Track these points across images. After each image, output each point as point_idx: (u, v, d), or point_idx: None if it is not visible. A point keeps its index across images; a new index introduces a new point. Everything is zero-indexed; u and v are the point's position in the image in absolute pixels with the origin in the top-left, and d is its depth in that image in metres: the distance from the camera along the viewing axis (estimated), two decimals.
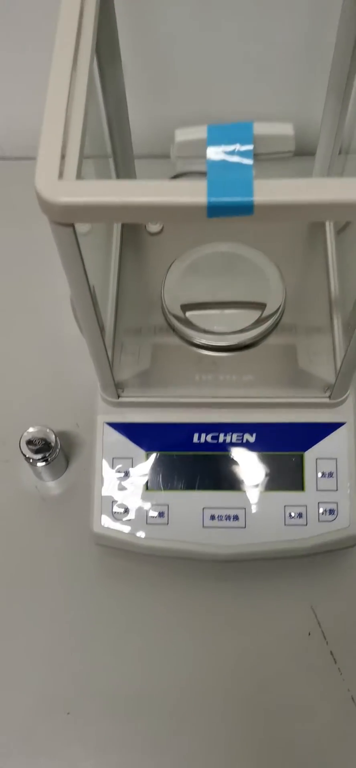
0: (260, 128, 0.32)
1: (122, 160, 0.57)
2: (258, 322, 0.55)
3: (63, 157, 0.34)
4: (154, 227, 0.60)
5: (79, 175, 0.34)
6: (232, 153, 0.32)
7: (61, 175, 0.33)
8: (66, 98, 0.35)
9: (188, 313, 0.55)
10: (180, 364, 0.54)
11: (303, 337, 0.55)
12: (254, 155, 0.32)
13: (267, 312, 0.55)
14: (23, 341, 0.65)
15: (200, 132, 0.32)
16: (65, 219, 0.33)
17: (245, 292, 0.56)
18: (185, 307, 0.56)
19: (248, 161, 0.32)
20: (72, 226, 0.34)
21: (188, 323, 0.55)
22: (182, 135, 0.33)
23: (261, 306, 0.55)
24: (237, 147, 0.32)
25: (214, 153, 0.32)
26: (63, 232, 0.34)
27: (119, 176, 0.58)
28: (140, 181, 0.32)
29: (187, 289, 0.56)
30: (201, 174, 0.33)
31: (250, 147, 0.32)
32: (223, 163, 0.32)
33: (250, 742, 0.49)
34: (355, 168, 0.60)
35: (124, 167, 0.58)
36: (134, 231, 0.60)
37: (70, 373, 0.62)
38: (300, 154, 0.68)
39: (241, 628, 0.52)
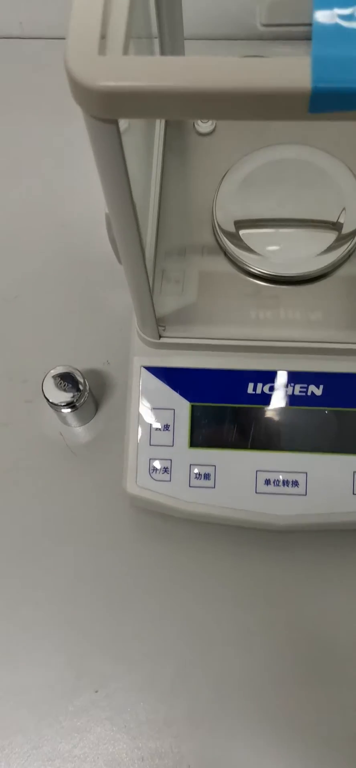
0: None
1: (170, 41, 0.46)
2: (331, 246, 0.45)
3: (104, 25, 0.24)
4: (205, 125, 0.50)
5: (127, 51, 0.24)
6: (348, 18, 0.22)
7: (102, 49, 0.23)
8: None
9: (244, 234, 0.46)
10: (233, 297, 0.45)
11: None
12: None
13: (342, 234, 0.45)
14: (47, 259, 0.56)
15: None
16: (108, 113, 0.24)
17: (316, 209, 0.46)
18: (241, 226, 0.46)
19: None
20: (115, 122, 0.24)
21: (244, 246, 0.45)
22: None
23: (335, 226, 0.45)
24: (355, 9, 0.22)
25: (324, 16, 0.22)
26: (103, 130, 0.25)
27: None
28: (213, 59, 0.22)
29: (244, 204, 0.47)
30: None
31: None
32: (337, 29, 0.22)
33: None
34: None
35: (173, 51, 0.46)
36: (180, 130, 0.49)
37: (101, 301, 0.54)
38: None
39: (301, 604, 0.46)
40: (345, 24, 0.22)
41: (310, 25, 0.22)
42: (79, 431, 0.51)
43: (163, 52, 0.46)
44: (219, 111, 0.23)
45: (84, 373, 0.51)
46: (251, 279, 0.45)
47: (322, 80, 0.22)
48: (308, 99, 0.22)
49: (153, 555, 0.47)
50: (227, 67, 0.22)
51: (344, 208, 0.46)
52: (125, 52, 0.24)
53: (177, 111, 0.23)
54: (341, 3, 0.22)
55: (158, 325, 0.43)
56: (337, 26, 0.22)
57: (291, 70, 0.22)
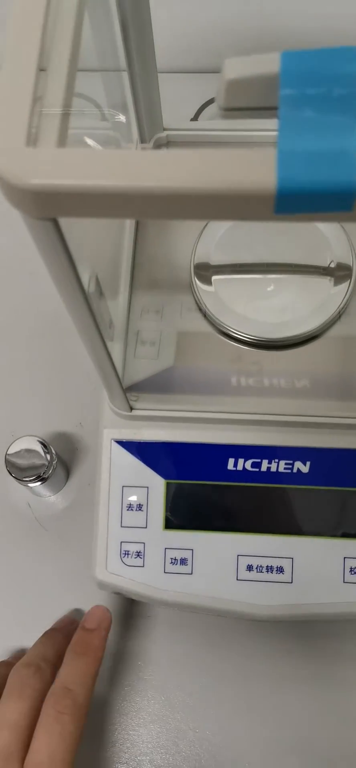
0: None
1: (141, 76, 0.42)
2: (319, 306, 0.41)
3: (37, 100, 0.20)
4: None
5: (65, 134, 0.21)
6: (322, 101, 0.18)
7: (32, 137, 0.20)
8: None
9: (224, 293, 0.42)
10: (213, 362, 0.41)
11: None
12: None
13: (330, 293, 0.41)
14: (14, 311, 0.52)
15: (266, 63, 0.18)
16: (41, 213, 0.20)
17: (302, 266, 0.42)
18: (221, 284, 0.42)
19: (350, 116, 0.18)
20: (53, 219, 0.21)
21: (223, 306, 0.42)
22: (236, 68, 0.19)
23: (323, 284, 0.42)
24: (331, 90, 0.18)
25: (290, 101, 0.18)
26: (40, 227, 0.21)
27: (136, 96, 0.42)
28: (168, 153, 0.18)
29: (224, 261, 0.43)
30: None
31: (354, 90, 0.18)
32: (306, 119, 0.18)
33: None
34: None
35: (143, 85, 0.42)
36: None
37: (73, 357, 0.50)
38: None
39: (285, 699, 0.42)
40: (315, 111, 0.18)
41: (274, 108, 0.19)
42: (50, 501, 0.47)
43: (133, 87, 0.41)
44: (169, 212, 0.19)
45: (54, 436, 0.48)
46: (232, 342, 0.42)
47: (288, 175, 0.18)
48: (272, 198, 0.18)
49: (126, 639, 0.43)
50: (176, 164, 0.18)
51: (332, 263, 0.42)
52: (62, 139, 0.20)
53: (122, 212, 0.20)
54: (312, 79, 0.19)
55: (129, 397, 0.39)
56: (306, 114, 0.18)
57: (256, 164, 0.18)
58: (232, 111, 0.19)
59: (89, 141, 0.47)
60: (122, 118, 0.44)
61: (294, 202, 0.18)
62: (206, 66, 0.52)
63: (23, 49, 0.20)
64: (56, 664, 0.38)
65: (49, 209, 0.20)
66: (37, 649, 0.39)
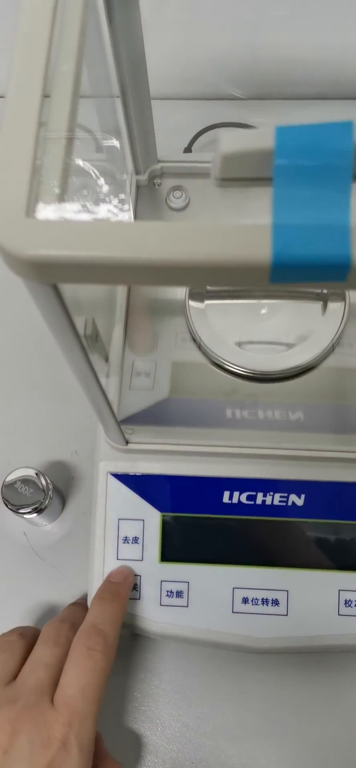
0: None
1: (135, 107, 0.42)
2: (313, 338, 0.41)
3: (38, 164, 0.21)
4: (177, 201, 0.46)
5: (64, 193, 0.21)
6: (316, 175, 0.18)
7: (33, 204, 0.20)
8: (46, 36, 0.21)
9: (219, 325, 0.42)
10: (208, 395, 0.42)
11: None
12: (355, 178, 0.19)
13: (323, 323, 0.42)
14: (9, 338, 0.52)
15: (261, 138, 0.18)
16: (41, 280, 0.20)
17: (296, 297, 0.43)
18: (216, 315, 0.42)
19: (343, 191, 0.18)
20: (53, 285, 0.21)
21: (218, 338, 0.42)
22: (231, 143, 0.19)
23: (317, 315, 0.42)
24: (325, 164, 0.18)
25: (285, 175, 0.18)
26: (40, 291, 0.21)
27: (129, 123, 0.42)
28: (165, 225, 0.18)
29: (220, 289, 0.43)
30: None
31: (348, 163, 0.18)
32: (299, 193, 0.18)
33: None
34: None
35: (137, 116, 0.42)
36: (151, 204, 0.46)
37: (68, 384, 0.50)
38: None
39: (280, 730, 0.42)
40: (309, 187, 0.18)
41: (269, 179, 0.19)
42: (46, 530, 0.47)
43: (127, 118, 0.41)
44: (168, 281, 0.19)
45: (49, 464, 0.48)
46: (227, 375, 0.42)
47: (283, 248, 0.18)
48: (268, 271, 0.18)
49: (123, 669, 0.43)
50: (175, 237, 0.19)
51: (326, 294, 0.42)
52: (63, 190, 0.20)
53: (120, 280, 0.20)
54: (306, 153, 0.19)
55: (124, 430, 0.39)
56: (300, 189, 0.18)
57: (251, 239, 0.18)
58: (227, 181, 0.19)
59: (82, 163, 0.47)
60: (116, 145, 0.45)
61: (288, 273, 0.19)
62: (199, 93, 0.52)
63: (23, 107, 0.21)
64: None
65: (48, 277, 0.20)
66: (70, 610, 0.41)
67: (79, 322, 0.28)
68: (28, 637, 0.39)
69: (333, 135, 0.18)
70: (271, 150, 0.18)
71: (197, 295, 0.43)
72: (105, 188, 0.46)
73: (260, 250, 0.18)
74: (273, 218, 0.18)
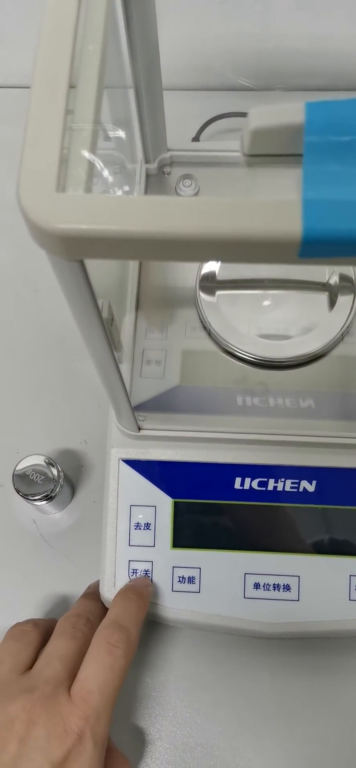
0: None
1: (146, 93, 0.42)
2: (324, 326, 0.42)
3: (65, 149, 0.21)
4: (187, 189, 0.46)
5: (91, 178, 0.21)
6: (346, 150, 0.19)
7: (62, 183, 0.20)
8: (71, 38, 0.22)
9: (230, 312, 0.42)
10: (219, 382, 0.42)
11: None
12: None
13: (334, 311, 0.42)
14: (19, 328, 0.52)
15: (291, 113, 0.18)
16: (69, 255, 0.20)
17: (307, 285, 0.43)
18: (226, 303, 0.43)
19: None
20: (80, 261, 0.21)
21: (229, 326, 0.42)
22: (261, 118, 0.19)
23: (328, 304, 0.42)
24: (353, 140, 0.19)
25: (315, 150, 0.19)
26: (66, 267, 0.21)
27: (141, 113, 0.42)
28: (193, 200, 0.19)
29: (229, 279, 0.43)
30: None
31: None
32: (329, 168, 0.19)
33: None
34: None
35: (149, 105, 0.42)
36: (160, 191, 0.46)
37: (77, 373, 0.50)
38: None
39: (290, 715, 0.42)
40: (340, 162, 0.18)
41: (298, 155, 0.19)
42: (55, 518, 0.47)
43: (139, 107, 0.42)
44: (196, 256, 0.20)
45: (59, 453, 0.48)
46: (238, 362, 0.42)
47: (313, 222, 0.18)
48: (298, 246, 0.19)
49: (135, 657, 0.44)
50: (207, 211, 0.19)
51: (337, 284, 0.43)
52: (88, 184, 0.20)
53: (150, 255, 0.20)
54: (337, 128, 0.19)
55: (137, 417, 0.39)
56: (331, 164, 0.18)
57: (281, 217, 0.18)
58: (255, 157, 0.19)
59: (95, 157, 0.47)
60: (128, 136, 0.45)
61: (318, 248, 0.19)
62: (207, 84, 0.52)
63: (50, 93, 0.21)
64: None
65: (77, 252, 0.20)
66: (84, 605, 0.40)
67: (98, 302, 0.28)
68: (43, 628, 0.39)
69: None
70: (301, 125, 0.18)
71: (208, 287, 0.43)
72: (115, 177, 0.46)
73: (291, 224, 0.18)
74: (303, 193, 0.18)
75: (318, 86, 0.57)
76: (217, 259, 0.19)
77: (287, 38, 0.54)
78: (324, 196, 0.18)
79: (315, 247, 0.19)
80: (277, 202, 0.19)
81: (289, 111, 0.18)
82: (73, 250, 0.20)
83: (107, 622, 0.36)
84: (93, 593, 0.42)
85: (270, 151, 0.19)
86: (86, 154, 0.20)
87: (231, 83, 0.55)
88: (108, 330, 0.30)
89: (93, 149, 0.20)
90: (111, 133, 0.44)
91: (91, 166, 0.20)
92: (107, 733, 0.34)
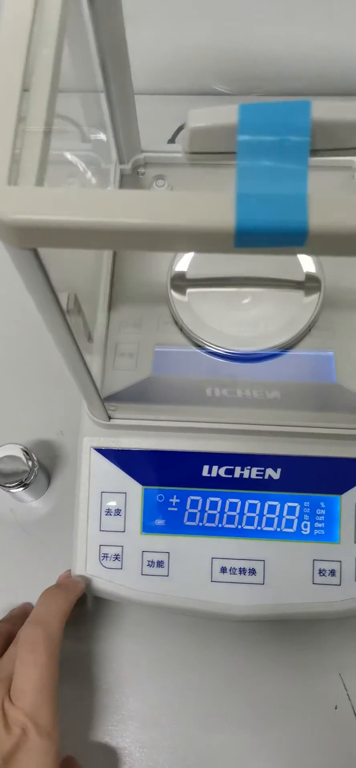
0: (323, 110, 0.20)
1: (118, 98, 0.43)
2: (290, 320, 0.43)
3: (17, 150, 0.22)
4: (160, 189, 0.48)
5: (43, 174, 0.22)
6: (276, 149, 0.20)
7: (14, 178, 0.21)
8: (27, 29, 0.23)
9: (200, 307, 0.44)
10: (188, 373, 0.43)
11: (344, 342, 0.44)
12: (312, 152, 0.20)
13: (299, 308, 0.43)
14: None
15: (226, 114, 0.20)
16: (22, 244, 0.22)
17: (274, 282, 0.45)
18: (197, 299, 0.44)
19: (302, 163, 0.20)
20: (33, 249, 0.23)
21: (199, 320, 0.44)
22: (199, 119, 0.21)
23: (294, 300, 0.44)
24: (285, 139, 0.20)
25: (247, 149, 0.20)
26: (21, 255, 0.23)
27: (113, 115, 0.44)
28: (135, 193, 0.20)
29: (200, 275, 0.45)
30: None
31: (305, 139, 0.20)
32: (261, 166, 0.20)
33: None
34: None
35: (121, 108, 0.44)
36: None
37: (54, 366, 0.51)
38: (348, 94, 0.55)
39: (252, 696, 0.44)
40: (270, 158, 0.20)
41: (234, 153, 0.21)
42: (32, 506, 0.48)
43: (111, 109, 0.43)
44: (140, 246, 0.21)
45: (36, 444, 0.49)
46: (207, 355, 0.44)
47: (246, 216, 0.20)
48: (233, 236, 0.20)
49: (107, 640, 0.45)
50: (146, 203, 0.20)
51: (303, 282, 0.44)
52: (40, 177, 0.22)
53: (98, 244, 0.21)
54: (267, 128, 0.21)
55: (108, 407, 0.41)
56: (262, 161, 0.20)
57: (217, 207, 0.20)
58: (195, 155, 0.21)
59: (70, 157, 0.49)
60: (102, 137, 0.46)
61: (251, 238, 0.20)
62: (183, 88, 0.54)
63: (4, 96, 0.22)
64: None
65: (29, 241, 0.21)
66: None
67: (62, 297, 0.30)
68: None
69: (293, 112, 0.20)
70: (235, 125, 0.20)
71: (179, 286, 0.44)
72: (90, 177, 0.48)
73: (226, 217, 0.20)
74: (236, 188, 0.20)
75: (296, 91, 0.58)
76: (160, 249, 0.21)
77: (261, 44, 0.55)
78: (256, 191, 0.20)
79: (248, 237, 0.20)
80: (214, 197, 0.20)
81: (224, 112, 0.20)
82: (24, 239, 0.21)
83: (27, 621, 0.38)
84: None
85: (209, 149, 0.21)
86: (38, 152, 0.22)
87: (209, 88, 0.57)
88: (74, 321, 0.32)
89: (45, 148, 0.22)
90: (85, 135, 0.46)
91: (42, 163, 0.22)
92: (51, 725, 0.35)
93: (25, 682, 0.36)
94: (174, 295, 0.44)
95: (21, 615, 0.43)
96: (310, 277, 0.44)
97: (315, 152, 0.20)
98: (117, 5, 0.34)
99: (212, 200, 0.20)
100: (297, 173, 0.20)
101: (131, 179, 0.48)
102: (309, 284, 0.44)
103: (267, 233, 0.20)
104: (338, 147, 0.21)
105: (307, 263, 0.44)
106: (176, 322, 0.45)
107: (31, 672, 0.36)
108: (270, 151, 0.20)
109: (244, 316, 0.44)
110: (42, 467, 0.47)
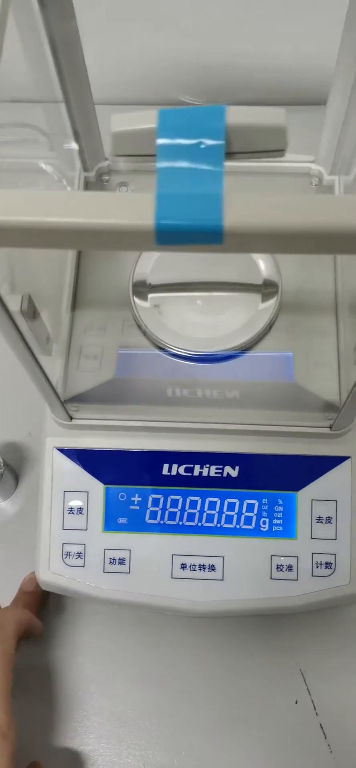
0: (236, 115, 0.21)
1: (78, 108, 0.44)
2: (249, 322, 0.44)
3: None
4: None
5: None
6: (193, 152, 0.21)
7: None
8: None
9: (161, 310, 0.45)
10: (150, 374, 0.44)
11: (302, 344, 0.45)
12: (227, 155, 0.21)
13: (259, 309, 0.44)
14: None
15: (146, 119, 0.21)
16: None
17: (234, 285, 0.46)
18: (159, 302, 0.45)
19: (217, 165, 0.21)
20: None
21: (160, 323, 0.45)
22: (121, 123, 0.22)
23: (253, 302, 0.45)
24: (201, 142, 0.21)
25: (166, 151, 0.21)
26: None
27: (74, 125, 0.45)
28: (53, 194, 0.21)
29: (161, 279, 0.46)
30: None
31: (220, 142, 0.21)
32: (179, 168, 0.21)
33: None
34: None
35: (81, 117, 0.44)
36: None
37: (20, 370, 0.52)
38: (309, 104, 0.56)
39: (215, 691, 0.44)
40: (187, 160, 0.21)
41: (154, 156, 0.22)
42: None
43: (72, 119, 0.44)
44: (70, 244, 0.22)
45: (4, 445, 0.50)
46: (169, 357, 0.45)
47: (165, 217, 0.21)
48: (154, 235, 0.21)
49: (69, 638, 0.46)
50: (74, 203, 0.21)
51: (262, 284, 0.45)
52: None
53: (26, 243, 0.22)
54: (185, 132, 0.22)
55: (69, 408, 0.42)
56: (180, 163, 0.21)
57: (137, 207, 0.21)
58: (120, 157, 0.22)
59: (45, 167, 0.50)
60: (66, 146, 0.47)
61: (171, 236, 0.21)
62: (150, 99, 0.55)
63: None
64: None
65: None
66: None
67: (15, 299, 0.31)
68: None
69: (208, 117, 0.21)
70: (154, 129, 0.21)
71: (141, 292, 0.45)
72: (56, 183, 0.49)
73: (146, 216, 0.21)
74: (156, 189, 0.21)
75: (260, 100, 0.60)
76: (89, 248, 0.22)
77: (227, 55, 0.57)
78: (174, 191, 0.21)
79: (167, 235, 0.21)
80: (137, 197, 0.21)
81: (144, 117, 0.21)
82: None
83: None
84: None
85: (132, 152, 0.22)
86: None
87: (176, 99, 0.58)
88: (30, 323, 0.33)
89: None
90: (50, 143, 0.47)
91: None
92: (6, 725, 0.36)
93: None
94: (136, 300, 0.45)
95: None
96: (268, 282, 0.45)
97: (231, 155, 0.21)
98: (69, 11, 0.35)
99: (135, 200, 0.21)
100: (213, 175, 0.21)
101: (95, 186, 0.49)
102: (267, 288, 0.45)
103: (186, 231, 0.21)
104: (253, 150, 0.22)
105: (266, 268, 0.46)
106: (138, 325, 0.46)
107: None
108: (187, 153, 0.21)
109: (205, 319, 0.45)
110: (10, 468, 0.48)
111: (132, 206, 0.21)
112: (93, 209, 0.21)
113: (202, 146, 0.21)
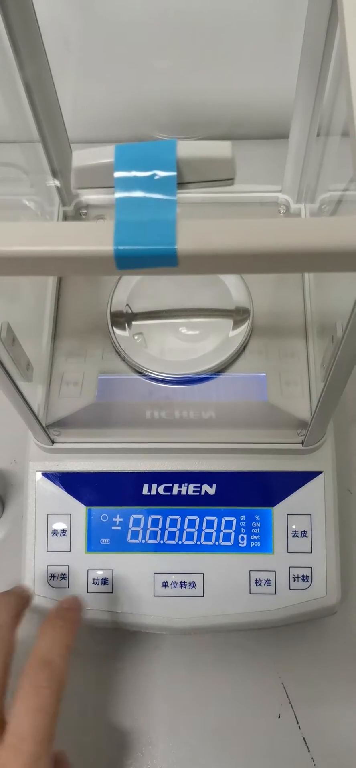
0: (186, 149, 0.23)
1: (54, 147, 0.46)
2: (222, 345, 0.46)
3: None
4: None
5: None
6: (148, 183, 0.23)
7: None
8: None
9: (138, 335, 0.47)
10: (129, 398, 0.46)
11: (274, 363, 0.46)
12: (180, 185, 0.23)
13: (232, 332, 0.46)
14: None
15: (104, 154, 0.23)
16: None
17: (209, 310, 0.48)
18: (136, 329, 0.47)
19: (170, 194, 0.23)
20: None
21: (137, 348, 0.46)
22: (81, 159, 0.24)
23: (226, 325, 0.47)
24: (155, 174, 0.23)
25: (123, 183, 0.23)
26: None
27: (51, 163, 0.47)
28: (16, 225, 0.23)
29: (138, 306, 0.48)
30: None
31: (173, 174, 0.23)
32: (136, 198, 0.23)
33: None
34: (337, 152, 0.50)
35: (58, 155, 0.47)
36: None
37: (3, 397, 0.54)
38: (273, 137, 0.59)
39: (197, 706, 0.45)
40: (143, 191, 0.23)
41: (113, 187, 0.24)
42: None
43: (48, 156, 0.46)
44: (40, 270, 0.24)
45: None
46: (147, 381, 0.46)
47: (123, 242, 0.23)
48: (113, 260, 0.23)
49: None
50: (38, 233, 0.23)
51: (235, 308, 0.47)
52: None
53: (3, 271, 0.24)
54: (140, 165, 0.24)
55: (51, 432, 0.43)
56: (136, 194, 0.23)
57: (97, 235, 0.23)
58: (83, 189, 0.24)
59: (28, 203, 0.52)
60: (45, 182, 0.50)
61: (130, 261, 0.23)
62: (124, 137, 0.57)
63: None
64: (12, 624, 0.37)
65: None
66: None
67: None
68: None
69: (161, 151, 0.23)
70: (112, 163, 0.23)
71: (119, 321, 0.47)
72: (37, 218, 0.51)
73: (106, 242, 0.23)
74: (115, 217, 0.23)
75: (229, 135, 0.62)
76: (55, 274, 0.24)
77: (198, 92, 0.60)
78: (131, 219, 0.23)
79: (126, 260, 0.23)
80: (98, 225, 0.23)
81: (102, 152, 0.23)
82: None
83: (32, 660, 0.35)
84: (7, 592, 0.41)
85: (93, 185, 0.24)
86: None
87: (149, 136, 0.61)
88: (6, 349, 0.35)
89: None
90: (30, 180, 0.49)
91: None
92: None
93: (26, 730, 0.32)
94: (115, 328, 0.47)
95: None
96: (240, 308, 0.47)
97: (183, 185, 0.23)
98: (39, 53, 0.37)
99: (96, 228, 0.23)
100: (167, 203, 0.23)
101: (73, 219, 0.51)
102: (239, 314, 0.47)
103: (143, 256, 0.23)
104: (204, 179, 0.24)
105: (237, 294, 0.48)
106: (118, 353, 0.47)
107: (35, 718, 0.32)
108: (143, 184, 0.23)
109: (181, 344, 0.47)
110: None
111: (93, 234, 0.23)
112: (58, 238, 0.23)
113: (156, 177, 0.23)
